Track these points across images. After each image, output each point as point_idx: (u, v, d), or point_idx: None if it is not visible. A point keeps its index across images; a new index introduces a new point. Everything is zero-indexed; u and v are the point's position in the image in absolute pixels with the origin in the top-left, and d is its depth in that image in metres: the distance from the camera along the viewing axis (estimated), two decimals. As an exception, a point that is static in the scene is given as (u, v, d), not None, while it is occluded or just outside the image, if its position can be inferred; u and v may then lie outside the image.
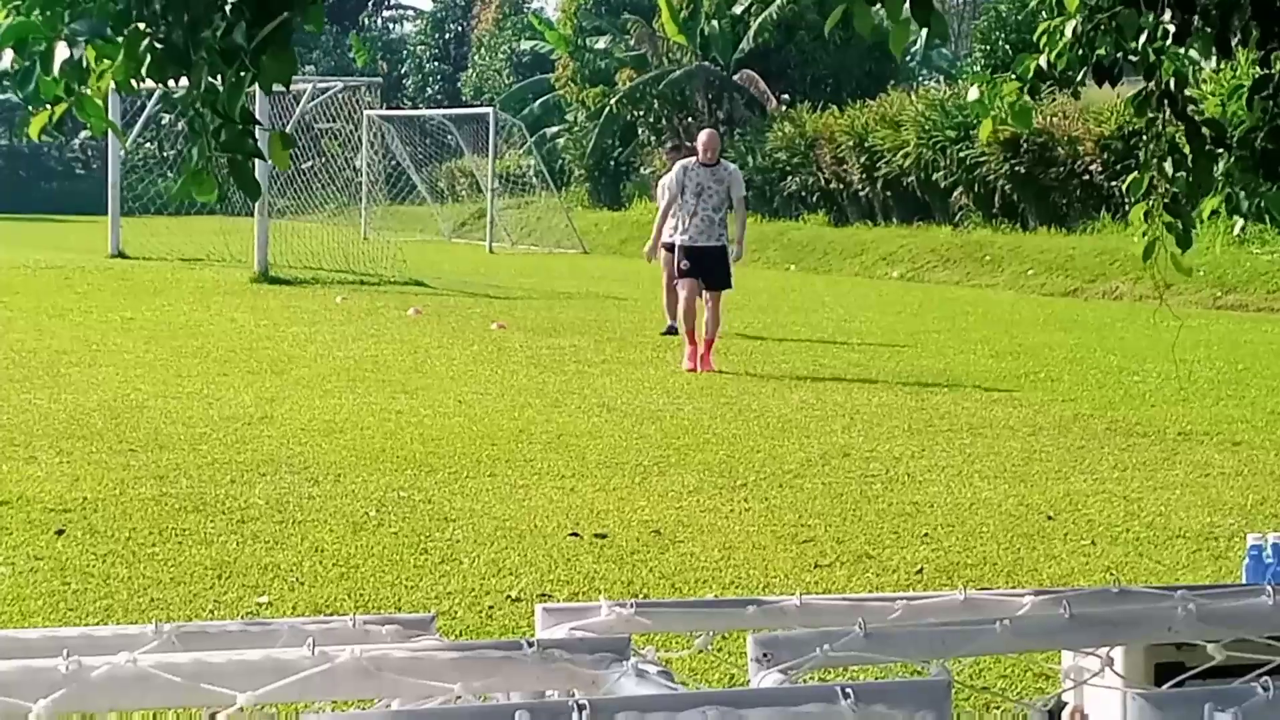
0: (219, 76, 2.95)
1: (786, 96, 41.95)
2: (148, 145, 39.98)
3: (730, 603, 2.62)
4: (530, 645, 2.11)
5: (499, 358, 15.22)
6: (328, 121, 30.80)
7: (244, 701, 1.95)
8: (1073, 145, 29.52)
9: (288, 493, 8.61)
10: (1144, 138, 5.22)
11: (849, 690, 1.86)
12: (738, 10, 42.93)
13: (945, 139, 32.36)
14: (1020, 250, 28.46)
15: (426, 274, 25.53)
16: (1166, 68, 5.02)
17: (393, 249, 26.32)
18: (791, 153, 37.77)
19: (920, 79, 48.06)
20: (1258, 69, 5.13)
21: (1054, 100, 27.99)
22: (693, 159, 15.30)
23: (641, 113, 45.09)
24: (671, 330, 17.24)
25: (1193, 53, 4.99)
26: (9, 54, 2.88)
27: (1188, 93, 5.12)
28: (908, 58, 46.23)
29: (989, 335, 18.23)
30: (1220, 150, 5.04)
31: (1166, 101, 5.05)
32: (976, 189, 31.95)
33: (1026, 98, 5.14)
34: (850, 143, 35.55)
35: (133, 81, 2.96)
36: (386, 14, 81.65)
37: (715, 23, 43.23)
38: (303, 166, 29.69)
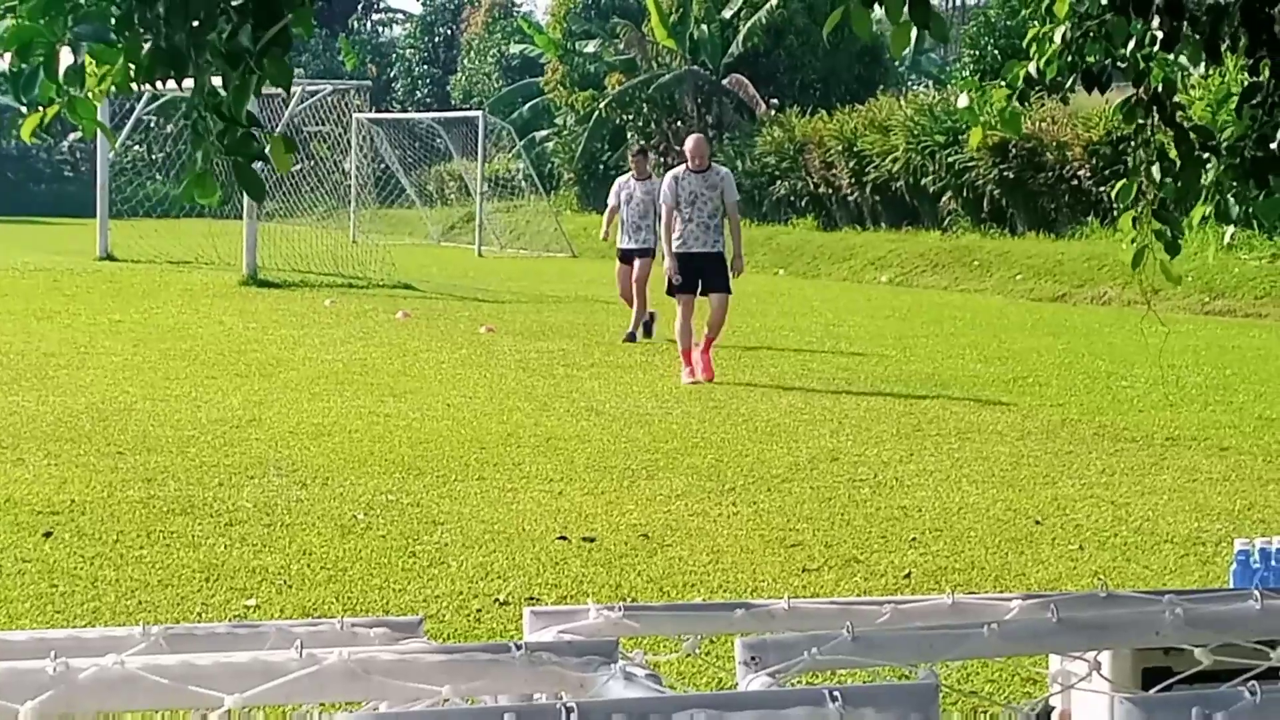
0: (221, 80, 2.95)
1: (775, 101, 41.98)
2: (136, 148, 39.99)
3: (718, 606, 2.62)
4: (518, 648, 2.11)
5: (487, 361, 15.21)
6: (317, 124, 30.78)
7: (231, 704, 1.95)
8: (1061, 150, 29.57)
9: (276, 495, 8.60)
10: (1133, 144, 5.22)
11: (837, 693, 1.86)
12: (727, 14, 42.98)
13: (934, 144, 32.41)
14: (1009, 255, 28.50)
15: (415, 277, 25.52)
16: (1156, 74, 5.03)
17: (381, 252, 26.32)
18: (780, 157, 37.81)
19: (909, 84, 48.14)
20: (1246, 76, 5.14)
21: (1043, 105, 28.03)
22: (681, 167, 14.54)
23: (631, 117, 45.12)
24: (632, 337, 17.08)
25: (1182, 59, 5.00)
26: (7, 56, 2.87)
27: (1176, 99, 5.13)
28: (897, 63, 46.28)
29: (977, 340, 18.25)
30: (1209, 157, 5.05)
31: (1155, 108, 5.06)
32: (965, 194, 32.00)
33: (1016, 104, 5.14)
34: (839, 147, 35.60)
35: (131, 84, 2.95)
36: (376, 17, 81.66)
37: (704, 27, 43.28)
38: (291, 169, 29.63)
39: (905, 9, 3.59)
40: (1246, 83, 5.10)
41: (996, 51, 34.70)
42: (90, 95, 2.99)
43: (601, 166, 47.02)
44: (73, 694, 1.95)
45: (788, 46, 42.97)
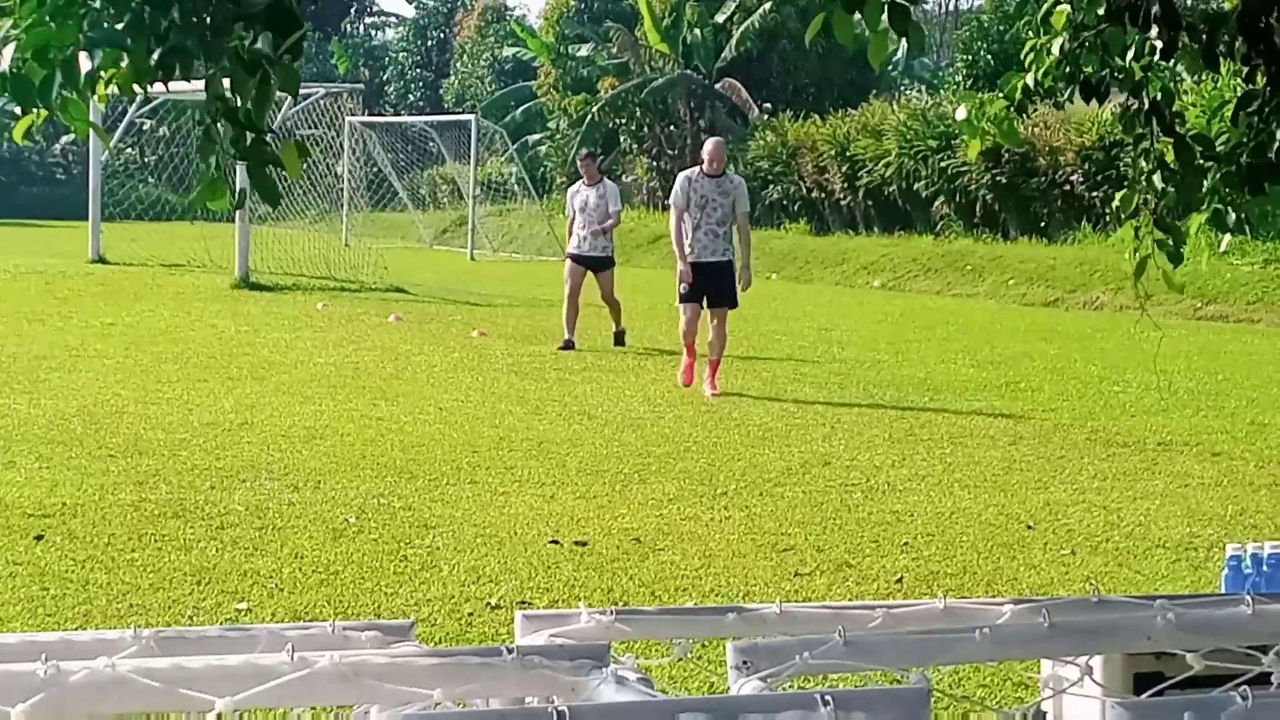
0: (231, 85, 2.93)
1: (768, 105, 42.01)
2: (129, 150, 39.93)
3: (710, 610, 2.62)
4: (510, 652, 2.11)
5: (480, 365, 15.21)
6: (309, 128, 30.70)
7: (223, 707, 1.95)
8: (1054, 156, 29.60)
9: (267, 499, 8.60)
10: (1132, 154, 5.22)
11: (828, 698, 1.86)
12: (720, 19, 43.00)
13: (927, 148, 32.44)
14: (1001, 260, 28.51)
15: (407, 281, 25.50)
16: (1154, 84, 5.03)
17: (374, 255, 26.30)
18: (773, 161, 37.83)
19: (902, 89, 48.16)
20: (1240, 83, 5.14)
21: (1036, 111, 28.00)
22: (695, 169, 14.19)
23: (623, 121, 45.10)
24: (568, 345, 16.65)
25: (1179, 68, 5.00)
26: (7, 56, 2.85)
27: (1174, 108, 5.13)
28: (890, 67, 46.30)
29: (970, 345, 18.26)
30: (1209, 164, 5.05)
31: (1155, 118, 5.06)
32: (958, 199, 32.02)
33: (1013, 114, 5.14)
34: (832, 152, 35.63)
35: (133, 86, 2.94)
36: (369, 20, 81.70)
37: (698, 31, 43.27)
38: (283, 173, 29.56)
39: (884, 16, 3.57)
40: (1242, 90, 5.10)
41: (990, 57, 34.76)
42: (96, 98, 2.98)
43: (594, 170, 46.93)
44: (64, 697, 1.95)
45: (781, 51, 42.98)
